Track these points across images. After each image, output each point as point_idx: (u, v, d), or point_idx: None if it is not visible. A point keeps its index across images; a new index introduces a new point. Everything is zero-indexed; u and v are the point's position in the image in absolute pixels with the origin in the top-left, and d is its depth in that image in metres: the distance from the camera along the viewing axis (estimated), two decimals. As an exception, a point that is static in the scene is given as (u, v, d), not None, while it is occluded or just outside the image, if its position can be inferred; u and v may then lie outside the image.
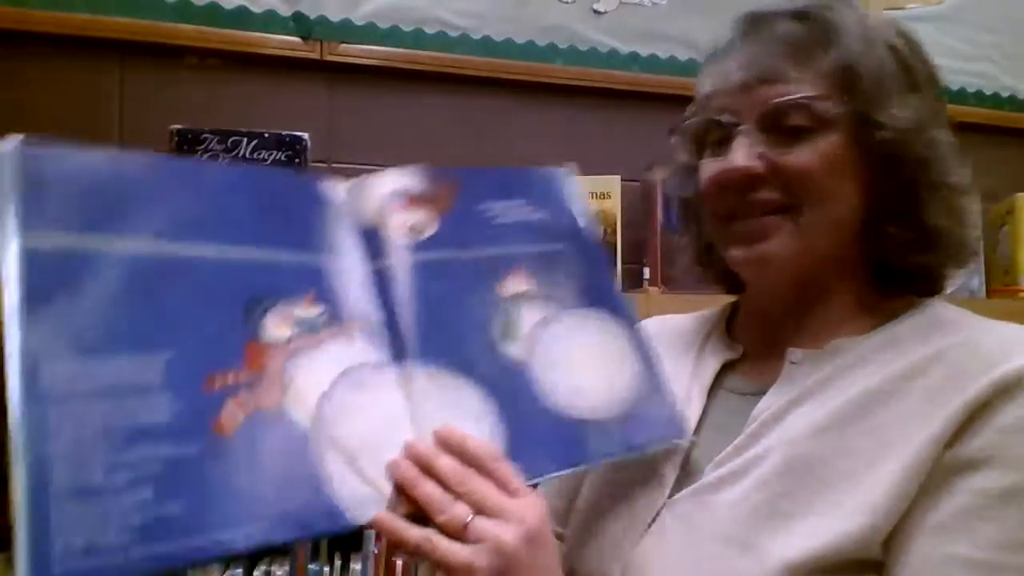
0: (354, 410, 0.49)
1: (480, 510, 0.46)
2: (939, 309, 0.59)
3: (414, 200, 0.57)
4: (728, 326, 0.71)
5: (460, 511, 0.46)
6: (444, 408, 0.51)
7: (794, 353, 0.60)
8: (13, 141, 0.43)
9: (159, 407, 0.42)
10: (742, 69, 0.57)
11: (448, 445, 0.49)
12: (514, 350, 0.55)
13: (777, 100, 0.56)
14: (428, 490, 0.47)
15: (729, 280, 0.70)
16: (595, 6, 1.56)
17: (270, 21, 1.39)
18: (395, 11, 1.45)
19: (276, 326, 0.48)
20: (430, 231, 0.56)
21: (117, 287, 0.44)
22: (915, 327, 0.57)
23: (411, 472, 0.47)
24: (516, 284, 0.57)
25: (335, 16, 1.42)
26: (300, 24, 1.41)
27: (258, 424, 0.45)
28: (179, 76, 1.37)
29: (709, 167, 0.60)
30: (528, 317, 0.57)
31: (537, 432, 0.53)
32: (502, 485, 0.48)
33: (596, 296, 0.60)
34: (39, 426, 0.39)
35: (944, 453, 0.49)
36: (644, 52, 1.58)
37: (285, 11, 1.40)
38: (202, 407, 0.44)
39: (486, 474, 0.48)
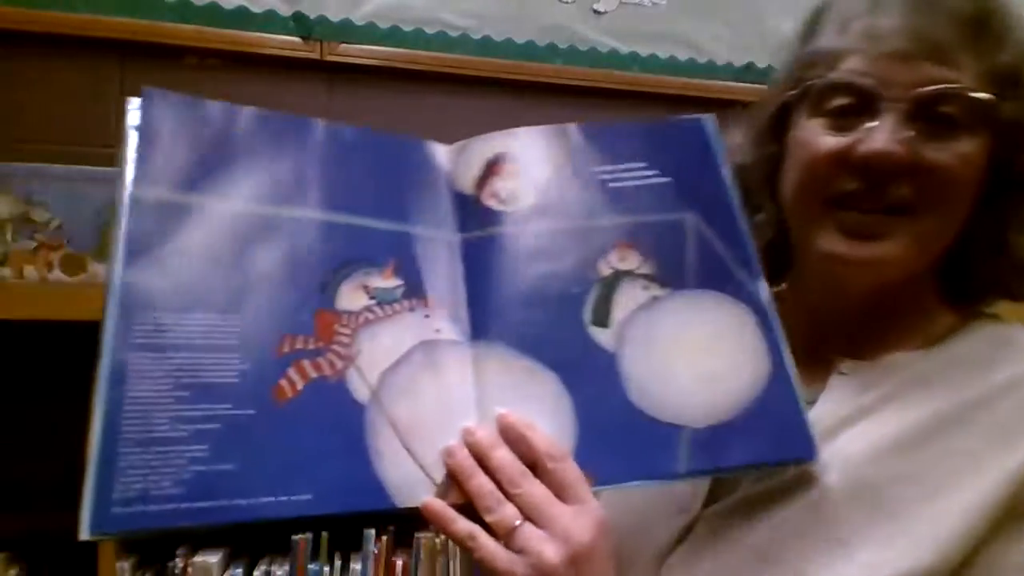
0: (417, 388, 0.47)
1: (529, 516, 0.44)
2: (1010, 330, 0.54)
3: (515, 165, 0.53)
4: None
5: (509, 513, 0.44)
6: (513, 395, 0.47)
7: (844, 363, 0.55)
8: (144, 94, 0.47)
9: (229, 366, 0.43)
10: (903, 37, 0.49)
11: (509, 433, 0.46)
12: (604, 337, 0.49)
13: (946, 86, 0.48)
14: (480, 484, 0.44)
15: (771, 269, 0.61)
16: (595, 6, 1.56)
17: (270, 21, 1.39)
18: (395, 11, 1.45)
19: (351, 295, 0.48)
20: (529, 200, 0.52)
21: (211, 245, 0.45)
22: (982, 348, 0.53)
23: (467, 462, 0.45)
24: (621, 259, 0.50)
25: (335, 16, 1.42)
26: (300, 24, 1.41)
27: (317, 393, 0.45)
28: (179, 76, 1.37)
29: (826, 139, 0.51)
30: (627, 298, 0.50)
31: (614, 432, 0.47)
32: (559, 489, 0.44)
33: (723, 276, 0.51)
34: (122, 371, 0.41)
35: (1017, 496, 0.45)
36: (644, 52, 1.58)
37: (285, 11, 1.40)
38: (268, 371, 0.44)
39: (544, 474, 0.44)
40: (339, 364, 0.46)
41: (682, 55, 1.59)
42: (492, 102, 1.50)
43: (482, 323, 0.49)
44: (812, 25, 0.57)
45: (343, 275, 0.48)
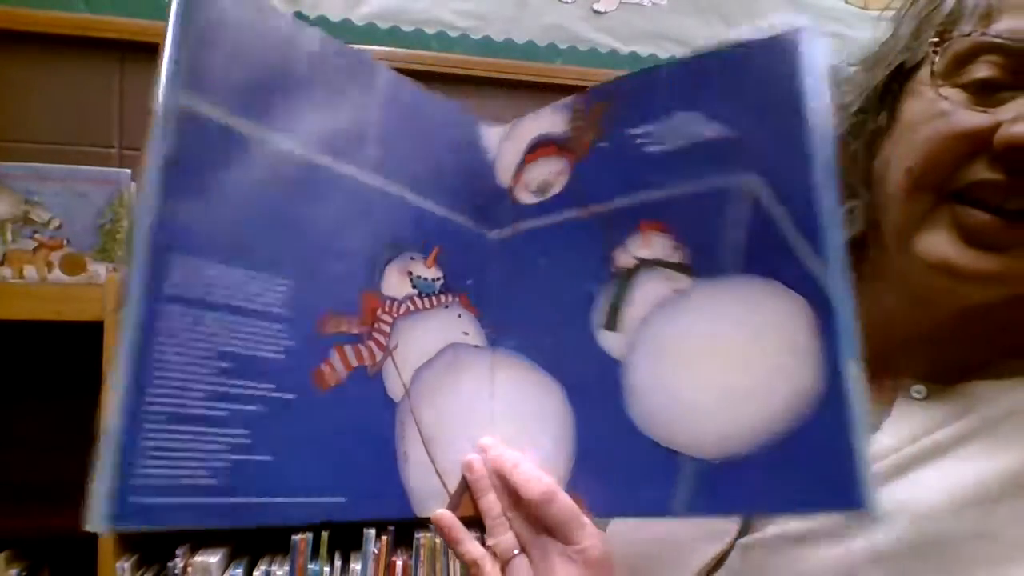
0: (443, 392, 0.44)
1: (524, 548, 0.42)
2: None
3: (551, 147, 0.46)
4: None
5: (507, 543, 0.42)
6: (522, 409, 0.44)
7: (917, 387, 0.46)
8: None
9: (273, 339, 0.37)
10: None
11: (497, 470, 0.43)
12: (613, 342, 0.41)
13: None
14: (488, 504, 0.43)
15: None
16: (595, 6, 1.56)
17: (270, 21, 1.39)
18: (395, 11, 1.45)
19: (396, 280, 0.43)
20: (558, 187, 0.45)
21: (262, 187, 0.37)
22: None
23: (483, 480, 0.43)
24: (645, 246, 0.41)
25: (335, 16, 1.42)
26: (300, 24, 1.41)
27: (357, 384, 0.40)
28: (179, 76, 1.37)
29: (962, 114, 0.40)
30: (645, 295, 0.41)
31: (609, 456, 0.41)
32: (551, 529, 0.41)
33: (779, 256, 0.36)
34: (150, 326, 0.32)
35: None
36: (644, 52, 1.58)
37: (285, 11, 1.40)
38: (309, 351, 0.38)
39: (541, 517, 0.41)
40: (378, 355, 0.41)
41: (682, 55, 1.59)
42: (492, 102, 1.50)
43: (502, 328, 0.46)
44: None
45: (391, 254, 0.43)
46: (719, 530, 0.47)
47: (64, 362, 1.28)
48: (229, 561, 1.21)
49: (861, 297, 0.51)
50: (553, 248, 0.45)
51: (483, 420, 0.45)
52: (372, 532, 1.22)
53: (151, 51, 1.40)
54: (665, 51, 1.59)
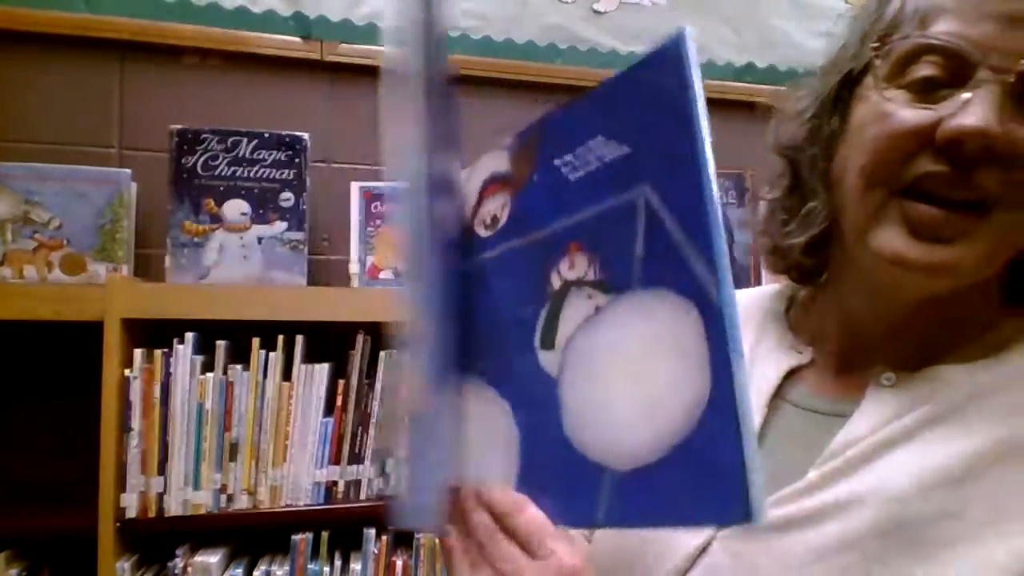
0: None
1: (492, 563, 0.42)
2: None
3: (497, 184, 0.49)
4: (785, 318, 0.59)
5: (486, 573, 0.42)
6: (481, 432, 0.47)
7: (887, 374, 0.48)
8: None
9: None
10: None
11: (473, 498, 0.44)
12: (550, 360, 0.43)
13: None
14: (468, 533, 0.43)
15: (808, 265, 0.54)
16: (595, 6, 1.56)
17: (270, 21, 1.39)
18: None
19: None
20: (504, 219, 0.48)
21: None
22: None
23: (469, 502, 0.44)
24: (570, 267, 0.43)
25: (335, 16, 1.42)
26: (300, 24, 1.41)
27: None
28: (179, 76, 1.37)
29: (905, 112, 0.43)
30: (573, 313, 0.43)
31: (547, 471, 0.43)
32: (522, 544, 0.41)
33: (672, 263, 0.37)
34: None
35: None
36: (644, 52, 1.58)
37: (285, 11, 1.40)
38: None
39: (511, 530, 0.42)
40: None
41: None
42: (492, 102, 1.50)
43: (465, 358, 0.48)
44: None
45: None
46: None
47: (64, 362, 1.28)
48: (229, 561, 1.21)
49: (830, 294, 0.54)
50: (503, 275, 0.47)
51: (457, 448, 0.47)
52: (372, 532, 1.22)
53: (151, 51, 1.41)
54: (665, 51, 1.59)
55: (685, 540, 0.48)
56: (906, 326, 0.49)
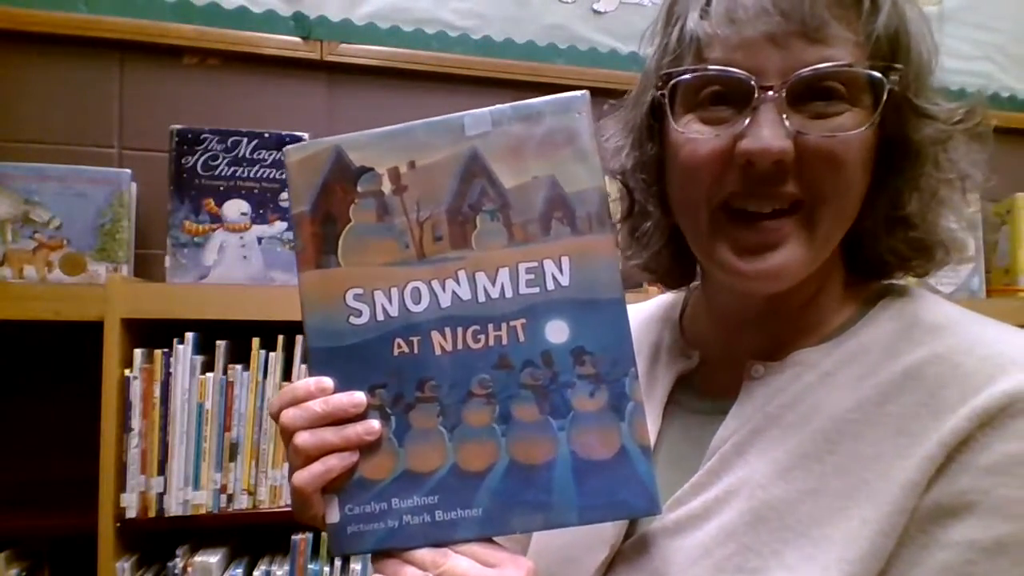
0: None
1: None
2: (916, 306, 0.49)
3: None
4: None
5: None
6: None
7: (755, 367, 0.51)
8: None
9: None
10: (769, 16, 0.43)
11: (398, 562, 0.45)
12: None
13: (822, 66, 0.43)
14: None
15: (676, 272, 0.58)
16: (595, 6, 1.56)
17: (270, 21, 1.39)
18: (395, 11, 1.45)
19: None
20: None
21: None
22: (885, 334, 0.48)
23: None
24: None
25: (335, 16, 1.42)
26: (300, 24, 1.41)
27: None
28: (179, 76, 1.37)
29: (703, 140, 0.47)
30: None
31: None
32: (479, 556, 0.43)
33: None
34: None
35: (922, 499, 0.41)
36: (644, 52, 1.58)
37: (285, 11, 1.40)
38: None
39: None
40: None
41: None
42: (492, 102, 1.50)
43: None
44: (672, 6, 0.50)
45: None
46: (607, 536, 0.51)
47: (64, 362, 1.28)
48: (229, 561, 1.21)
49: (704, 297, 0.59)
50: None
51: None
52: (372, 532, 1.22)
53: (151, 51, 1.41)
54: (665, 51, 1.59)
55: (596, 555, 0.51)
56: (766, 320, 0.52)
